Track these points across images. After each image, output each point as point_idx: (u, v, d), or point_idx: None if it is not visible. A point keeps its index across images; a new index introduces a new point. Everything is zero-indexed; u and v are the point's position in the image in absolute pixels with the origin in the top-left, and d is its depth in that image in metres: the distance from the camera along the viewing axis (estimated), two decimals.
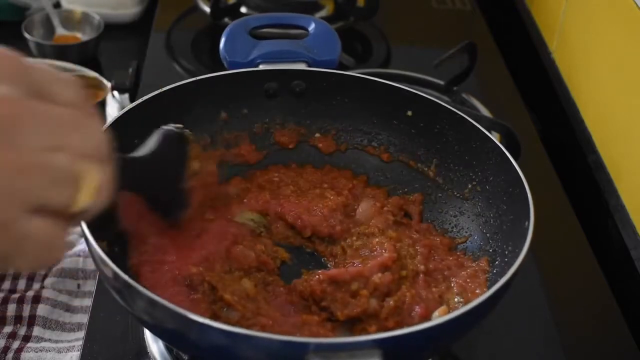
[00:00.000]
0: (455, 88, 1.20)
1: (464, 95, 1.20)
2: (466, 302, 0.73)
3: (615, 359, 0.87)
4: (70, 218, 0.49)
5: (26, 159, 0.46)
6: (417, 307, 0.73)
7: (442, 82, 1.21)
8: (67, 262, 0.97)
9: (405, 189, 0.90)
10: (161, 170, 0.70)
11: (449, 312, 0.72)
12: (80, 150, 0.48)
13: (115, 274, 0.63)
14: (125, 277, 0.62)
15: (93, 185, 0.49)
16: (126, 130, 0.79)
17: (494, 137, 0.82)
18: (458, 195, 0.86)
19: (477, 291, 0.74)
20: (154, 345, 0.80)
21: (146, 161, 0.68)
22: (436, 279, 0.77)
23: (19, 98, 0.47)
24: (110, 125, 0.77)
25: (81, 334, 0.89)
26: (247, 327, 0.67)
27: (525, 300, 0.89)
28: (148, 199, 0.71)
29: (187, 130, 0.73)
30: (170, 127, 0.72)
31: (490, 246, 0.80)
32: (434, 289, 0.76)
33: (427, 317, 0.72)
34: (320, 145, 0.92)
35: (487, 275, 0.76)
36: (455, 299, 0.75)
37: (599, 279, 0.96)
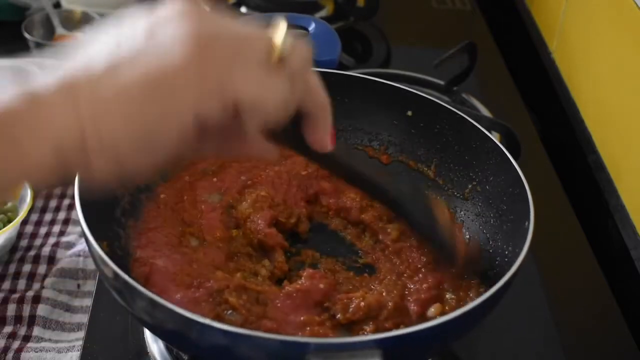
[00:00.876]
0: (455, 88, 1.21)
1: (464, 95, 1.20)
2: (459, 300, 0.73)
3: (615, 359, 0.87)
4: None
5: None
6: (413, 305, 0.73)
7: (442, 82, 1.21)
8: (67, 262, 0.97)
9: None
10: None
11: (443, 309, 0.72)
12: None
13: (115, 273, 0.63)
14: (126, 276, 0.62)
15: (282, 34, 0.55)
16: None
17: (494, 137, 0.82)
18: (458, 195, 0.86)
19: (470, 294, 0.74)
20: (154, 345, 0.80)
21: None
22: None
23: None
24: None
25: (81, 334, 0.89)
26: (251, 330, 0.67)
27: (525, 300, 0.89)
28: None
29: None
30: None
31: (490, 246, 0.80)
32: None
33: (423, 314, 0.72)
34: None
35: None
36: (447, 295, 0.75)
37: (599, 279, 0.96)
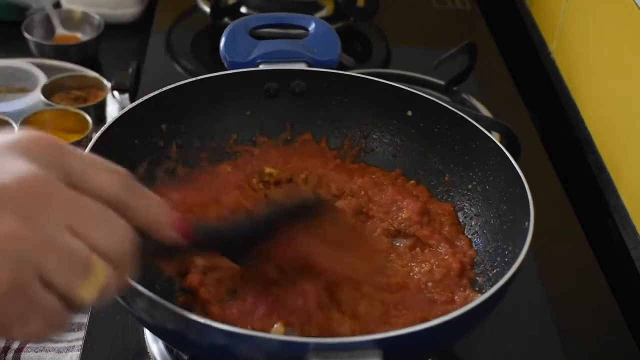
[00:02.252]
0: (455, 88, 1.20)
1: (464, 96, 1.20)
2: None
3: (615, 359, 0.87)
4: (71, 305, 0.48)
5: (43, 233, 0.46)
6: None
7: (442, 82, 1.21)
8: None
9: None
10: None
11: None
12: (99, 245, 0.48)
13: None
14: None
15: (100, 282, 0.48)
16: (126, 130, 0.80)
17: (494, 137, 0.82)
18: (458, 195, 0.86)
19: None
20: (154, 345, 0.80)
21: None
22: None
23: (49, 178, 0.47)
24: (110, 125, 0.77)
25: (81, 334, 0.89)
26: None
27: (525, 300, 0.89)
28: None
29: None
30: None
31: (491, 246, 0.80)
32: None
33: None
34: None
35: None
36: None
37: (599, 279, 0.96)
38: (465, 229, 0.84)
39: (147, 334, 0.80)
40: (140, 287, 0.60)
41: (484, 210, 0.82)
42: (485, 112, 1.17)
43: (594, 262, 0.98)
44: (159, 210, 0.54)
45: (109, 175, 0.51)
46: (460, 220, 0.85)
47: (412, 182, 0.89)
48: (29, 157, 0.48)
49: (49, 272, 0.46)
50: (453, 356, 0.82)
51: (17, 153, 0.48)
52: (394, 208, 0.85)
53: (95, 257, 0.48)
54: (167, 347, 0.79)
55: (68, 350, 0.87)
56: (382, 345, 0.57)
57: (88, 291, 0.48)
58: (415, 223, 0.83)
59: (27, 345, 0.86)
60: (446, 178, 0.87)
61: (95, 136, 0.75)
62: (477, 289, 0.77)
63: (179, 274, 0.75)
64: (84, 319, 0.91)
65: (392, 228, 0.83)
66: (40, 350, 0.86)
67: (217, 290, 0.73)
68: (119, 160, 0.70)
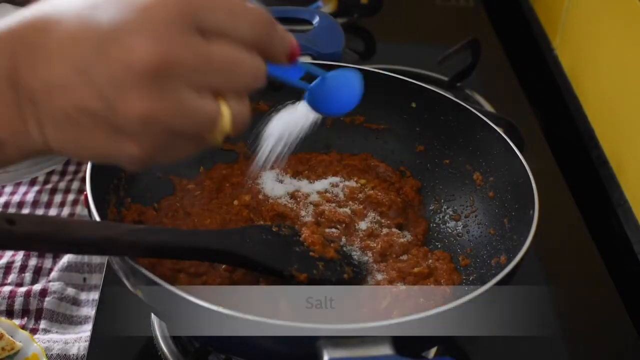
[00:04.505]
0: (458, 84, 1.21)
1: (467, 92, 1.21)
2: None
3: (618, 350, 0.88)
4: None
5: (171, 99, 0.49)
6: None
7: (445, 79, 1.22)
8: (72, 256, 0.97)
9: None
10: None
11: None
12: (228, 92, 0.51)
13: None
14: (133, 263, 0.63)
15: (227, 126, 0.52)
16: None
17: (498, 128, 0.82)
18: (463, 185, 0.86)
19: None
20: (161, 336, 0.80)
21: None
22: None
23: (169, 48, 0.48)
24: None
25: (88, 327, 0.90)
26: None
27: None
28: None
29: None
30: None
31: (496, 235, 0.80)
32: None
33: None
34: None
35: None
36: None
37: (602, 272, 0.96)
38: (469, 219, 0.84)
39: (155, 325, 0.81)
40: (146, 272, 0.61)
41: (487, 200, 0.83)
42: (488, 107, 1.18)
43: (597, 256, 0.98)
44: (289, 44, 0.56)
45: (247, 22, 0.52)
46: (464, 211, 0.85)
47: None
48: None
49: (180, 132, 0.50)
50: (457, 348, 0.83)
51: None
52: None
53: (223, 109, 0.51)
54: (173, 339, 0.79)
55: (76, 341, 0.87)
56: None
57: (217, 137, 0.52)
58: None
59: (35, 337, 0.87)
60: (450, 169, 0.88)
61: None
62: (481, 278, 0.77)
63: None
64: (90, 312, 0.92)
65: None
66: (48, 342, 0.87)
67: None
68: None
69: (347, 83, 0.64)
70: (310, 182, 0.88)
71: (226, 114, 0.51)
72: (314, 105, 0.63)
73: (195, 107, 0.50)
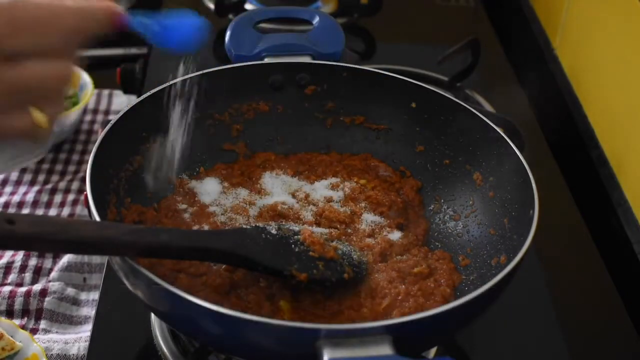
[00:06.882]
0: (458, 84, 1.21)
1: (467, 92, 1.21)
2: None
3: (618, 350, 0.88)
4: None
5: None
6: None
7: (445, 79, 1.22)
8: (72, 256, 0.97)
9: None
10: None
11: None
12: (39, 99, 0.55)
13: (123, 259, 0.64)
14: (138, 267, 0.63)
15: (44, 122, 0.56)
16: (135, 123, 0.80)
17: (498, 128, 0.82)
18: (462, 185, 0.86)
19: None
20: (161, 336, 0.80)
21: None
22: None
23: None
24: (119, 119, 0.78)
25: (88, 327, 0.90)
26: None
27: (528, 293, 0.90)
28: None
29: None
30: None
31: (496, 235, 0.80)
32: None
33: None
34: None
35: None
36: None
37: (602, 272, 0.96)
38: (469, 219, 0.84)
39: (154, 325, 0.81)
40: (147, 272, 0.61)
41: (488, 200, 0.83)
42: (488, 107, 1.18)
43: (597, 256, 0.98)
44: (106, 15, 0.59)
45: (55, 30, 0.55)
46: (464, 211, 0.85)
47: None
48: None
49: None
50: (456, 347, 0.83)
51: None
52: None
53: (36, 116, 0.55)
54: (173, 339, 0.79)
55: (76, 341, 0.87)
56: (392, 331, 0.58)
57: (38, 138, 0.57)
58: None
59: (35, 337, 0.87)
60: (450, 169, 0.88)
61: (101, 135, 0.75)
62: (481, 278, 0.77)
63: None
64: (90, 312, 0.92)
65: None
66: (48, 342, 0.87)
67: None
68: (128, 153, 0.72)
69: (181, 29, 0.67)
70: (310, 182, 0.88)
71: (40, 118, 0.55)
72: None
73: (6, 127, 0.54)
